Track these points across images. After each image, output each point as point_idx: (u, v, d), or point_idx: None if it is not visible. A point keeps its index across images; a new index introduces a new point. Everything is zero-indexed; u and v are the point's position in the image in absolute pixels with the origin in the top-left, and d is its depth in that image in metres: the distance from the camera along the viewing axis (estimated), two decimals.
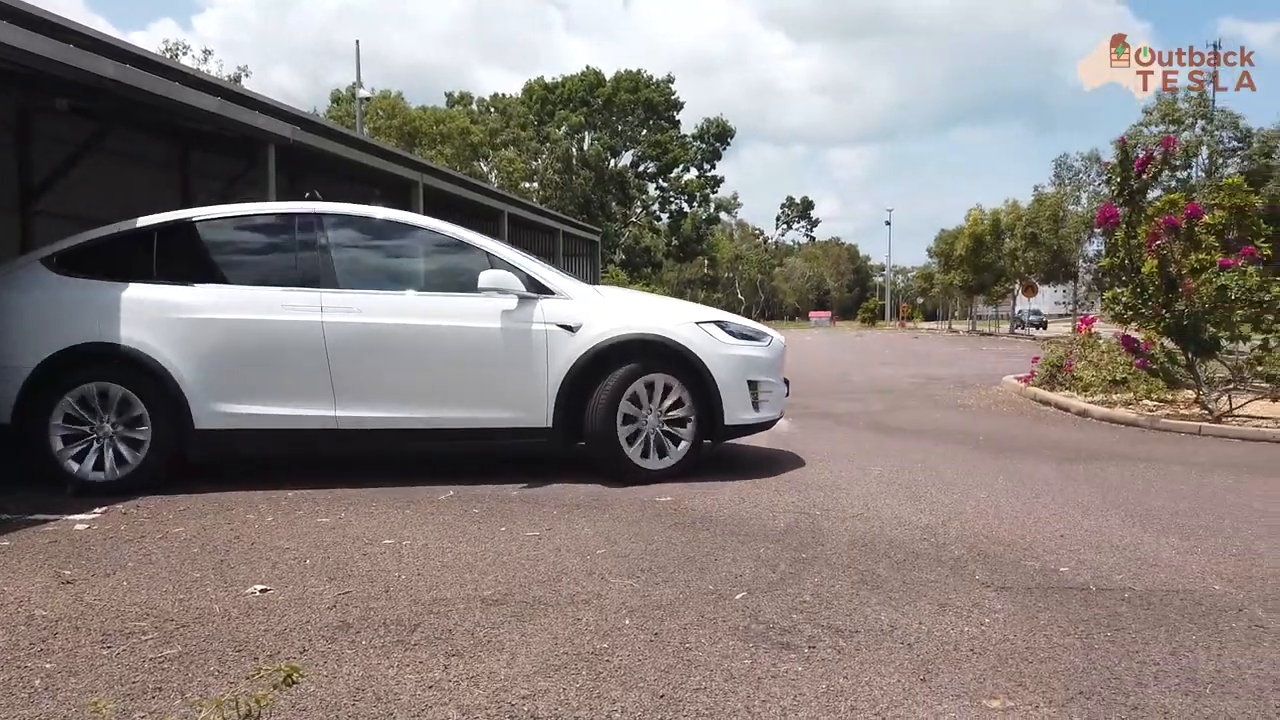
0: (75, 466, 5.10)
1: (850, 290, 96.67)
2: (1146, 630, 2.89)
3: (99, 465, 5.13)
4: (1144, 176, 8.66)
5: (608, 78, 64.24)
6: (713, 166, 68.87)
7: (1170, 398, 9.22)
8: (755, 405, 5.73)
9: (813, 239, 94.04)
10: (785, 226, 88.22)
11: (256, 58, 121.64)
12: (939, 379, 13.53)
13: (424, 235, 5.89)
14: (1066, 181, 40.11)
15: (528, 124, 60.17)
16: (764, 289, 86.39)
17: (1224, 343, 8.37)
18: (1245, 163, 31.87)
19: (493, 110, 62.19)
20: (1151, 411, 8.58)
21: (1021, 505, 4.75)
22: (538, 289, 5.54)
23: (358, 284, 5.55)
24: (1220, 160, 32.87)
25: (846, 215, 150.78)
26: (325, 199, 5.89)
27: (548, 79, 64.41)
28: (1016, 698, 2.40)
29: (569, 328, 5.48)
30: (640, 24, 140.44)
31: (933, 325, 71.69)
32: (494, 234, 14.01)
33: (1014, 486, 5.28)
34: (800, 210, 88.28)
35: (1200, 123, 33.05)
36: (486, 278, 5.42)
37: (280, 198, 8.52)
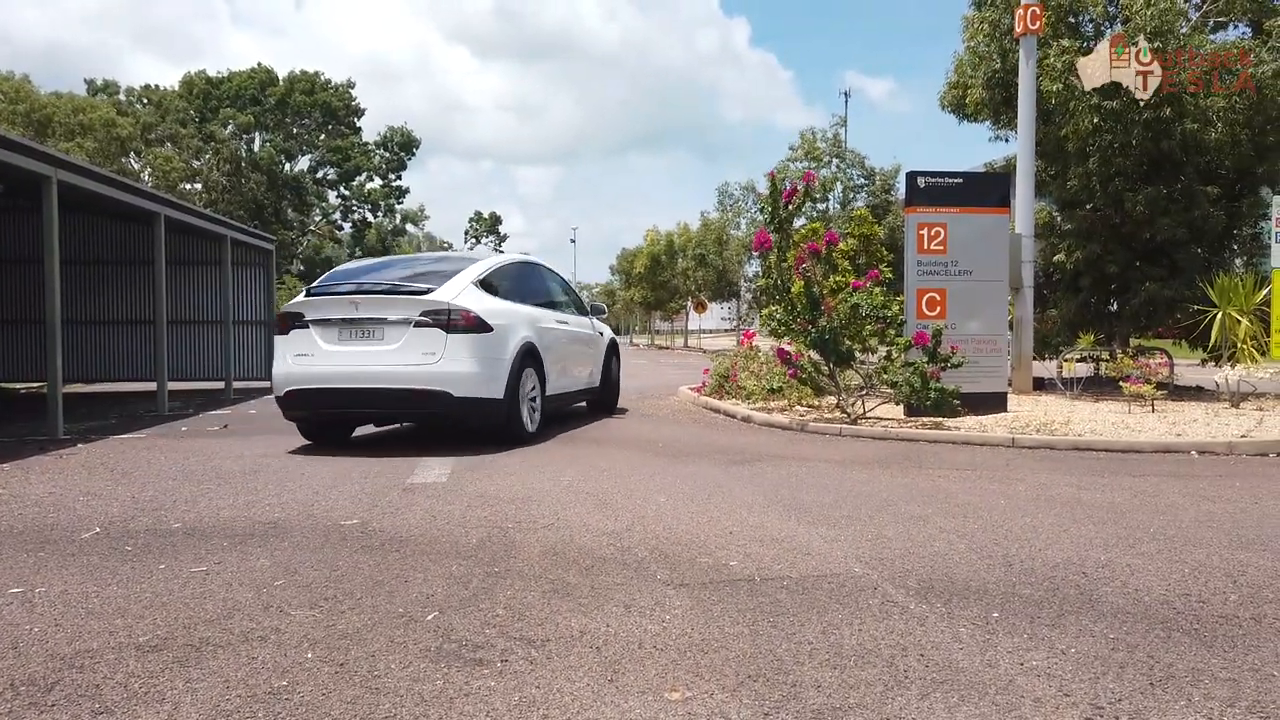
0: (530, 425, 8.06)
1: None
2: (802, 613, 3.22)
3: (529, 423, 8.08)
4: (790, 207, 9.65)
5: (281, 77, 60.31)
6: (398, 177, 67.11)
7: (817, 403, 10.41)
8: None
9: (502, 254, 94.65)
10: (474, 240, 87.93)
11: None
12: (623, 391, 14.14)
13: (561, 279, 10.43)
14: (728, 208, 43.70)
15: (188, 120, 54.82)
16: None
17: (857, 354, 9.61)
18: (871, 198, 36.58)
19: (145, 102, 55.95)
20: (803, 416, 9.62)
21: (696, 507, 5.12)
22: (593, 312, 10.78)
23: (559, 308, 9.64)
24: (851, 195, 37.50)
25: (533, 231, 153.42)
26: None
27: (211, 73, 59.26)
28: (694, 688, 2.57)
29: (602, 334, 10.68)
30: (314, 25, 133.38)
31: None
32: (148, 239, 12.56)
33: (690, 489, 5.67)
34: (489, 225, 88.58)
35: (835, 161, 37.50)
36: (600, 306, 11.12)
37: None
